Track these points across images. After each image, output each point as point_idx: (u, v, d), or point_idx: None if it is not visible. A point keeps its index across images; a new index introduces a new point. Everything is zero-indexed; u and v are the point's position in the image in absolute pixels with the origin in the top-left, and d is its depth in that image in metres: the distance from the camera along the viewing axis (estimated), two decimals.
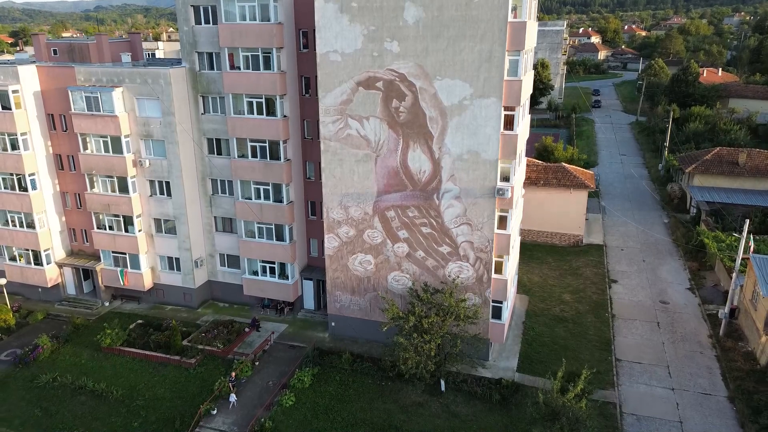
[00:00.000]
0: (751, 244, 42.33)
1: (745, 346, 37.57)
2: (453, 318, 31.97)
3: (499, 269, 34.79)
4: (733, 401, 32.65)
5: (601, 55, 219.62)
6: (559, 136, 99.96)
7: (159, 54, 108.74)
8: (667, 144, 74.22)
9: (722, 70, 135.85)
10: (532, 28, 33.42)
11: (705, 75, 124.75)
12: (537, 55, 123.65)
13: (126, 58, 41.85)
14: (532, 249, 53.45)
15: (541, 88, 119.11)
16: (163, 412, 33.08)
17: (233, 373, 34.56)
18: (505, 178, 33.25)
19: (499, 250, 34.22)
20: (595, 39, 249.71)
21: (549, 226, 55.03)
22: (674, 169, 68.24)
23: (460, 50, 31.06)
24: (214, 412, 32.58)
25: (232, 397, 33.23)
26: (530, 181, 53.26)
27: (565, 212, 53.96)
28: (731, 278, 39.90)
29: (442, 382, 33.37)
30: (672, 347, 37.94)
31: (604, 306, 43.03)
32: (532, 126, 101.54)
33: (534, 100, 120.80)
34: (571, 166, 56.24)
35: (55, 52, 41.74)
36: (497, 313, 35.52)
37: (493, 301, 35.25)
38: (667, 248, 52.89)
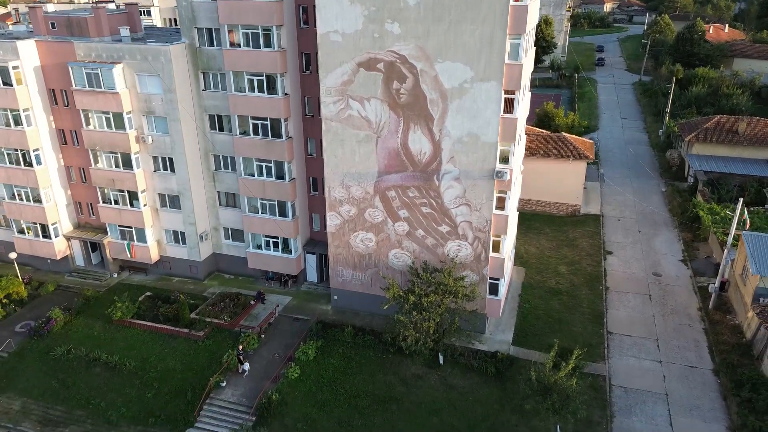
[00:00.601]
0: (746, 217, 43.26)
1: (733, 319, 39.00)
2: (451, 297, 33.17)
3: (496, 248, 35.77)
4: (717, 374, 34.27)
5: (607, 7, 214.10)
6: (561, 97, 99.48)
7: (154, 12, 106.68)
8: (668, 110, 73.86)
9: (729, 26, 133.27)
10: (534, 10, 33.19)
11: (711, 32, 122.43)
12: (541, 11, 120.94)
13: (125, 31, 41.47)
14: (531, 219, 54.34)
15: (543, 46, 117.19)
16: (174, 384, 34.79)
17: (240, 346, 36.11)
18: (504, 160, 33.78)
19: (497, 229, 35.09)
20: None
21: (547, 195, 55.75)
22: (674, 135, 68.31)
23: (461, 33, 31.01)
24: (224, 384, 34.27)
25: (246, 366, 35.03)
26: (530, 151, 53.58)
27: (564, 182, 54.55)
28: (723, 251, 40.95)
29: (441, 356, 34.92)
30: (662, 320, 39.38)
31: (598, 278, 44.28)
32: (533, 86, 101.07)
33: (537, 59, 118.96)
34: (571, 135, 56.41)
35: (53, 25, 41.30)
36: (494, 290, 36.75)
37: (491, 279, 36.40)
38: (663, 218, 53.78)
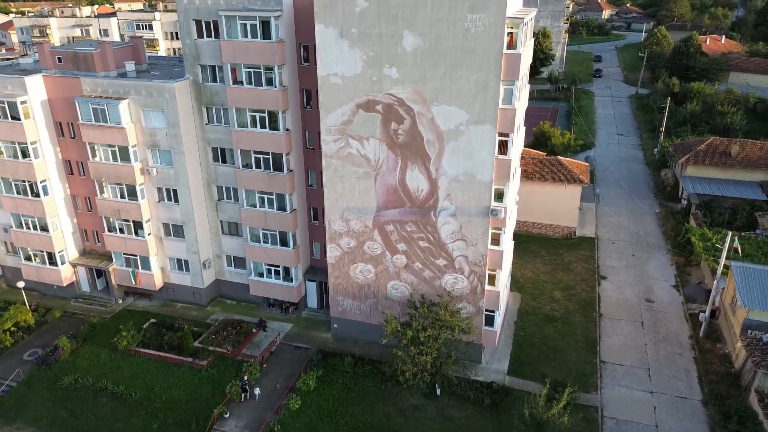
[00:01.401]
0: (737, 245, 44.38)
1: (722, 348, 40.03)
2: (448, 331, 34.21)
3: (492, 281, 36.82)
4: (706, 405, 35.30)
5: (605, 14, 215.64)
6: (559, 111, 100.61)
7: (156, 25, 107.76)
8: (663, 129, 74.91)
9: (726, 36, 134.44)
10: (527, 57, 34.25)
11: (708, 43, 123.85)
12: (539, 23, 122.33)
13: (130, 65, 42.55)
14: (527, 241, 55.38)
15: (542, 58, 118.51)
16: (179, 415, 35.80)
17: (245, 376, 37.17)
18: (499, 198, 34.82)
19: (492, 264, 36.15)
20: None
21: (543, 218, 56.83)
22: (669, 154, 69.34)
23: (456, 78, 32.06)
24: (227, 415, 35.28)
25: (257, 390, 36.49)
26: (526, 175, 54.70)
27: (560, 205, 55.66)
28: (714, 279, 41.98)
29: (438, 387, 35.95)
30: (654, 348, 40.42)
31: (592, 304, 45.32)
32: (531, 98, 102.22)
33: (535, 71, 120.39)
34: (567, 159, 57.45)
35: (60, 59, 42.33)
36: (490, 321, 37.79)
37: (486, 310, 37.44)
38: (657, 241, 54.84)
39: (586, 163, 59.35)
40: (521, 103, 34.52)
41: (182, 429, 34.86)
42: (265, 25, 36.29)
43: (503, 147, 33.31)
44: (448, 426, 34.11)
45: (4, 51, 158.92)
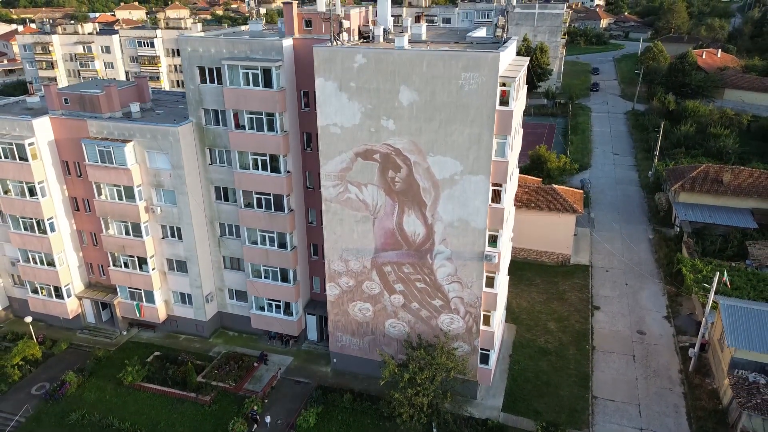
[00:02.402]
0: (725, 279, 45.55)
1: (711, 383, 41.18)
2: (444, 373, 35.38)
3: (487, 322, 37.97)
4: None
5: (603, 23, 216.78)
6: (555, 128, 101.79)
7: (157, 43, 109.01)
8: (657, 153, 76.08)
9: (722, 50, 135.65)
10: (519, 112, 35.46)
11: (704, 57, 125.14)
12: (536, 38, 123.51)
13: (135, 107, 43.70)
14: (522, 268, 56.54)
15: (539, 73, 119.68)
16: None
17: (254, 407, 38.69)
18: (493, 242, 35.99)
19: (486, 305, 37.31)
20: (599, 1, 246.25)
21: (539, 245, 57.97)
22: (663, 177, 70.47)
23: (451, 132, 33.24)
24: None
25: (268, 418, 38.18)
26: (522, 203, 55.88)
27: (554, 233, 56.80)
28: (704, 312, 43.10)
29: (434, 425, 37.09)
30: (644, 383, 41.54)
31: (585, 337, 46.46)
32: (528, 114, 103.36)
33: (532, 85, 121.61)
34: (562, 188, 58.59)
35: (66, 101, 43.47)
36: (485, 359, 38.95)
37: (482, 349, 38.60)
38: (649, 269, 55.99)
39: (581, 191, 60.50)
40: (514, 153, 35.68)
41: None
42: (267, 73, 37.44)
43: (497, 196, 34.47)
44: None
45: (6, 62, 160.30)
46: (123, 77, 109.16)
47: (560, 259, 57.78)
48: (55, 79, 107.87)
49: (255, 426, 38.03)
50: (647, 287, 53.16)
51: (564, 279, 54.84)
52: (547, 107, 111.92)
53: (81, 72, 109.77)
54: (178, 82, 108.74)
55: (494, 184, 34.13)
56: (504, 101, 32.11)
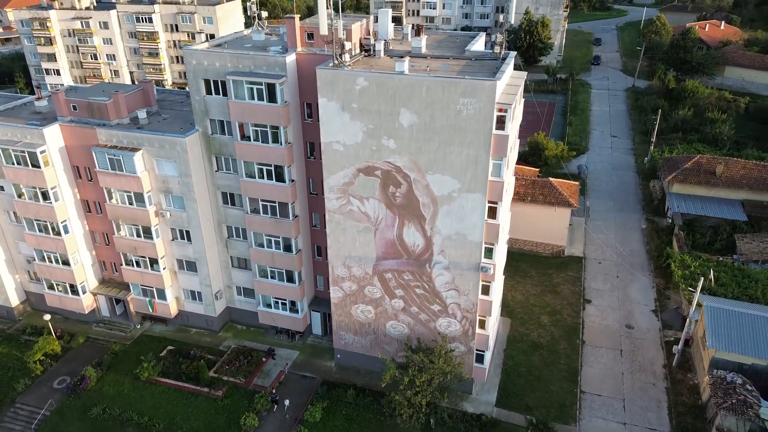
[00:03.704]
0: (711, 277, 47.70)
1: (692, 378, 43.81)
2: (442, 376, 37.87)
3: (482, 325, 40.26)
4: None
5: None
6: (555, 106, 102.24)
7: (156, 18, 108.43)
8: (653, 140, 77.06)
9: (726, 21, 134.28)
10: (514, 136, 36.77)
11: (707, 30, 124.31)
12: (538, 11, 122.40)
13: (142, 113, 44.81)
14: (518, 259, 58.62)
15: (540, 47, 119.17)
16: None
17: (273, 390, 42.59)
18: (489, 253, 37.87)
19: (482, 311, 39.52)
20: None
21: (534, 236, 59.89)
22: (659, 164, 71.74)
23: (449, 153, 34.64)
24: None
25: (287, 401, 41.60)
26: (519, 197, 57.52)
27: (550, 225, 58.67)
28: (690, 308, 45.36)
29: (432, 421, 39.86)
30: (630, 378, 44.19)
31: (576, 331, 48.90)
32: (528, 92, 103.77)
33: (533, 59, 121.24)
34: (558, 180, 60.04)
35: (74, 107, 44.53)
36: (480, 359, 41.44)
37: (477, 350, 41.02)
38: (641, 261, 58.07)
39: (577, 183, 61.92)
40: (509, 173, 37.17)
41: None
42: (271, 88, 38.45)
43: (492, 213, 36.14)
44: None
45: (1, 30, 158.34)
46: (121, 54, 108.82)
47: (555, 251, 59.80)
48: (54, 55, 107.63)
49: (275, 407, 41.32)
50: (637, 280, 55.36)
51: (558, 271, 56.98)
52: (547, 83, 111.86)
53: (80, 48, 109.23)
54: (177, 58, 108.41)
55: (490, 202, 35.74)
56: (500, 126, 33.37)
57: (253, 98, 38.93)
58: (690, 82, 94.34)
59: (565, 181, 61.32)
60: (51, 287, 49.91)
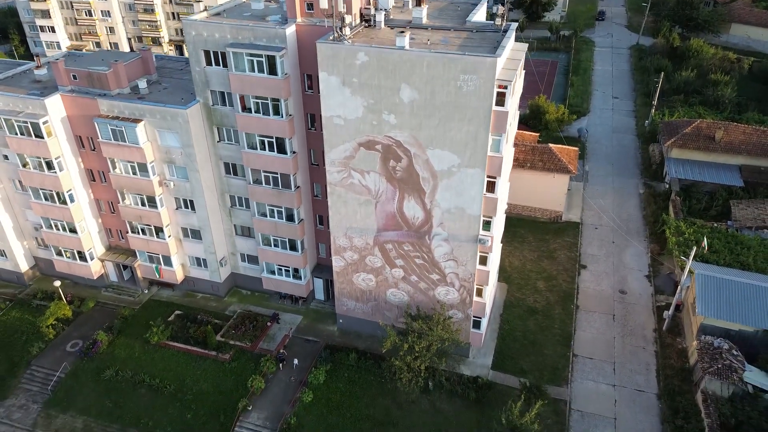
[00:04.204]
0: (704, 245, 48.82)
1: (681, 342, 45.55)
2: (440, 343, 39.49)
3: (479, 294, 41.60)
4: (660, 399, 41.22)
5: None
6: (558, 65, 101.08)
7: None
8: (655, 103, 76.67)
9: None
10: (513, 112, 36.96)
11: None
12: None
13: (142, 83, 44.80)
14: (516, 225, 59.59)
15: (544, 2, 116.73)
16: (208, 406, 41.89)
17: (282, 350, 44.44)
18: (487, 225, 38.78)
19: (479, 281, 40.77)
20: None
21: (532, 201, 60.72)
22: (659, 129, 71.75)
23: (449, 128, 35.03)
24: (250, 408, 41.34)
25: (296, 360, 43.87)
26: (518, 163, 58.00)
27: (548, 191, 59.44)
28: (682, 275, 46.64)
29: (430, 383, 41.78)
30: (621, 342, 45.92)
31: (571, 296, 50.38)
32: (531, 49, 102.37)
33: (536, 16, 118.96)
34: (557, 147, 60.31)
35: (74, 77, 44.42)
36: (477, 325, 43.03)
37: (474, 317, 42.54)
38: (636, 227, 59.07)
39: (576, 149, 62.16)
40: (508, 148, 37.63)
41: (212, 420, 41.05)
42: (271, 60, 38.44)
43: (491, 187, 36.83)
44: (439, 419, 40.22)
45: None
46: (116, 10, 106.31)
47: (553, 216, 60.72)
48: (48, 12, 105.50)
49: (282, 366, 43.53)
50: (632, 245, 56.51)
51: (555, 236, 58.08)
52: (550, 41, 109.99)
53: (74, 4, 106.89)
54: (173, 14, 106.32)
55: (489, 176, 36.37)
56: (500, 102, 33.64)
57: (253, 70, 38.97)
58: (695, 41, 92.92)
59: (564, 147, 61.59)
60: (59, 254, 51.10)
